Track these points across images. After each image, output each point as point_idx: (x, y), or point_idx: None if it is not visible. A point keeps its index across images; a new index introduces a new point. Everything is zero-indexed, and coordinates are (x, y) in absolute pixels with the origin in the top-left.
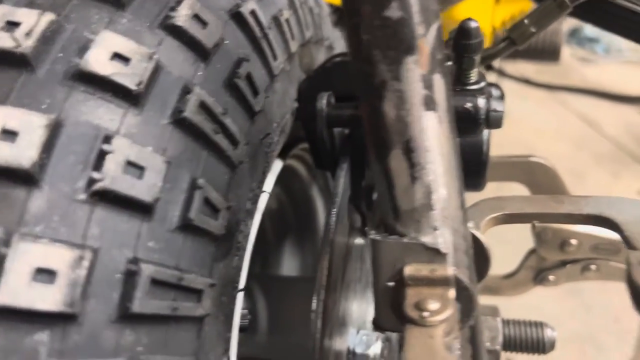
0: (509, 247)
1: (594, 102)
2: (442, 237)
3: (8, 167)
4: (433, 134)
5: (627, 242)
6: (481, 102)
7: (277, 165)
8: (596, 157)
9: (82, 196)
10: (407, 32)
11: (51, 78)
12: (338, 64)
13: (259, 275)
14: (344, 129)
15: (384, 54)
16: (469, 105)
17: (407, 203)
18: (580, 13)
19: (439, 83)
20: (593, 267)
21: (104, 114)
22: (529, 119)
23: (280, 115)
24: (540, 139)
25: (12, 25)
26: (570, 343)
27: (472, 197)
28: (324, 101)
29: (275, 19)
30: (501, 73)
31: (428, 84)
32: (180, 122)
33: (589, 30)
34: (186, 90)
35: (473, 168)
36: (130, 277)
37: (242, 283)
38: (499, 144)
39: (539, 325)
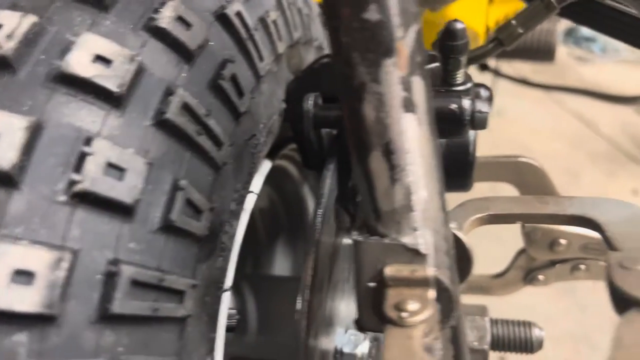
0: (506, 246)
1: (590, 102)
2: (423, 238)
3: None
4: (413, 136)
5: (609, 243)
6: (466, 103)
7: (265, 166)
8: (592, 157)
9: (63, 198)
10: (386, 35)
11: (33, 80)
12: (326, 65)
13: (250, 275)
14: (331, 129)
15: (362, 57)
16: (453, 106)
17: (388, 204)
18: (569, 14)
19: (419, 85)
20: (582, 266)
21: (86, 115)
22: (525, 118)
23: (267, 116)
24: (536, 139)
25: None
26: (564, 342)
27: (460, 198)
28: (310, 102)
29: (262, 20)
30: (497, 73)
31: (407, 86)
32: (162, 123)
33: (586, 29)
34: (169, 92)
35: (459, 168)
36: (110, 278)
37: (227, 283)
38: (495, 143)
39: (527, 324)
